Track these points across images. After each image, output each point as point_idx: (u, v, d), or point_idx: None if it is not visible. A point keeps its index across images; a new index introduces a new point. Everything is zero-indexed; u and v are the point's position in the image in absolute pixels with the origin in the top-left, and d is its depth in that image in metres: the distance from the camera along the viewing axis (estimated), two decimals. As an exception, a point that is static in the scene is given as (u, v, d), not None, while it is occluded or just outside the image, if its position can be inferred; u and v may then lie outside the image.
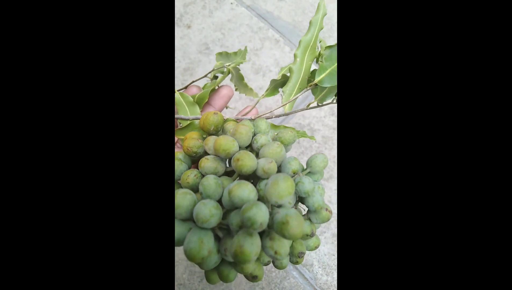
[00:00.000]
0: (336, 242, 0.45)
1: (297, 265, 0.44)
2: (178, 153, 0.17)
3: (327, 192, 0.47)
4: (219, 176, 0.15)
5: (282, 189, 0.12)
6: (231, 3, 0.60)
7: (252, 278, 0.15)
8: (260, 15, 0.59)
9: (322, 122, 0.52)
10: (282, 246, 0.13)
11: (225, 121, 0.18)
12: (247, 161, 0.14)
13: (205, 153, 0.17)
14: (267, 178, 0.14)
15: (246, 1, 0.60)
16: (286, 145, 0.18)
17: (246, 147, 0.16)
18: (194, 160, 0.18)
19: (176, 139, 0.22)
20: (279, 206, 0.13)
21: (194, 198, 0.14)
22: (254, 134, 0.17)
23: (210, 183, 0.14)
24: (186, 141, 0.16)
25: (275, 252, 0.13)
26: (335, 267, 0.44)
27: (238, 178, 0.16)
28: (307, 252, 0.45)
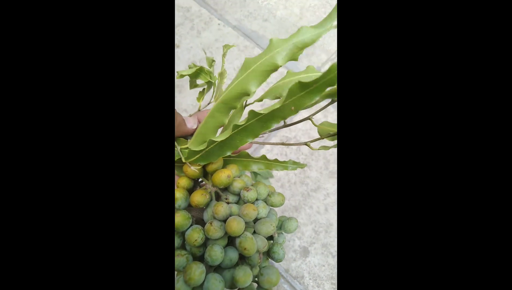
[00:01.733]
0: (326, 253, 0.45)
1: (287, 278, 0.44)
2: (184, 181, 0.20)
3: (315, 202, 0.48)
4: (219, 238, 0.19)
5: (274, 280, 0.18)
6: (218, 24, 0.63)
7: None
8: (246, 35, 0.62)
9: (308, 135, 0.53)
10: None
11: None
12: (251, 250, 0.18)
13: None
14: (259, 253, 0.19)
15: (232, 21, 0.63)
16: (277, 206, 0.22)
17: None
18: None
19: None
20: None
21: (204, 273, 0.18)
22: (257, 199, 0.21)
23: (217, 255, 0.18)
24: (195, 197, 0.19)
25: None
26: (326, 278, 0.44)
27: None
28: (298, 263, 0.45)
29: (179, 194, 0.20)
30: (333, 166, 0.51)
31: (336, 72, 0.15)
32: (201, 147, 0.19)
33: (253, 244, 0.18)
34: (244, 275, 0.17)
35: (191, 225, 0.19)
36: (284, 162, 0.23)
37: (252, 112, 0.16)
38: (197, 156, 0.20)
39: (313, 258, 0.45)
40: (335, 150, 0.52)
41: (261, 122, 0.17)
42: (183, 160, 0.20)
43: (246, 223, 0.19)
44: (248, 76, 0.17)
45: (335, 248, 0.46)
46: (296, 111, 0.16)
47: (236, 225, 0.18)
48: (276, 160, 0.23)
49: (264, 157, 0.23)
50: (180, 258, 0.18)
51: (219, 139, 0.18)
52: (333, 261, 0.45)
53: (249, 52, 0.60)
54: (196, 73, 0.25)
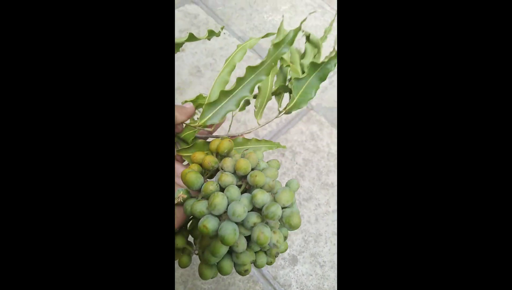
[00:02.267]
0: (314, 262, 0.46)
1: (275, 285, 0.44)
2: (195, 166, 0.22)
3: (306, 211, 0.49)
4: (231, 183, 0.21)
5: (288, 197, 0.19)
6: (224, 33, 0.65)
7: (245, 272, 0.20)
8: (250, 46, 0.64)
9: (303, 146, 0.55)
10: (280, 237, 0.19)
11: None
12: (261, 178, 0.20)
13: (215, 169, 0.23)
14: (269, 191, 0.20)
15: (238, 32, 0.66)
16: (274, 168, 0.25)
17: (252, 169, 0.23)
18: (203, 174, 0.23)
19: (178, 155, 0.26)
20: (285, 207, 0.20)
21: (227, 199, 0.19)
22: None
23: (235, 192, 0.20)
24: (207, 159, 0.22)
25: (277, 241, 0.19)
26: (313, 288, 0.44)
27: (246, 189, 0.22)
28: (286, 271, 0.45)
29: (195, 166, 0.22)
30: (326, 178, 0.52)
31: (284, 32, 0.22)
32: (214, 98, 0.24)
33: (262, 174, 0.20)
34: (262, 193, 0.19)
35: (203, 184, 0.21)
36: (270, 142, 0.28)
37: (249, 67, 0.23)
38: (211, 114, 0.24)
39: (301, 267, 0.45)
40: (328, 162, 0.53)
41: (256, 76, 0.23)
42: (197, 125, 0.24)
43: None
44: (230, 62, 0.26)
45: (323, 258, 0.46)
46: (275, 65, 0.23)
47: (243, 162, 0.20)
48: (263, 140, 0.27)
49: (255, 140, 0.27)
50: (200, 203, 0.19)
51: (229, 89, 0.23)
52: (321, 271, 0.45)
53: (251, 62, 0.62)
54: (196, 99, 0.30)
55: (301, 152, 0.54)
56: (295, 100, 0.24)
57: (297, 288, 0.44)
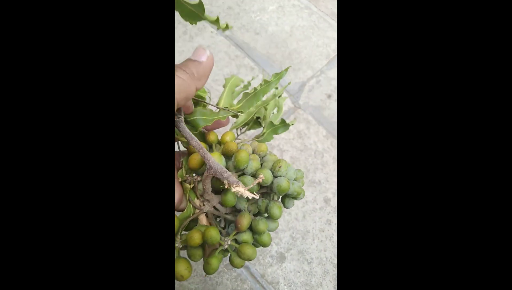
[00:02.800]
0: (301, 259, 0.46)
1: (262, 283, 0.44)
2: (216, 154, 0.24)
3: (293, 208, 0.49)
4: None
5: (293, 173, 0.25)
6: (211, 32, 0.65)
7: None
8: (238, 45, 0.64)
9: (291, 144, 0.55)
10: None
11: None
12: (281, 160, 0.24)
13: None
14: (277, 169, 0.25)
15: (225, 31, 0.66)
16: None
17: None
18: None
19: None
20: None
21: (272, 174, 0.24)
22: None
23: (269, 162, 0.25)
24: (230, 144, 0.25)
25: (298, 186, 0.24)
26: (300, 284, 0.44)
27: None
28: (274, 269, 0.45)
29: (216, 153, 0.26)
30: (313, 175, 0.53)
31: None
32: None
33: (276, 156, 0.25)
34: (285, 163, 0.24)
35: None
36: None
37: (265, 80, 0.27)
38: (239, 105, 0.27)
39: (289, 264, 0.45)
40: (315, 160, 0.54)
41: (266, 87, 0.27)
42: (222, 107, 0.27)
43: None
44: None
45: (311, 255, 0.47)
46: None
47: (263, 145, 0.25)
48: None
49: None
50: (266, 170, 0.23)
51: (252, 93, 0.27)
52: (308, 268, 0.46)
53: (239, 61, 0.62)
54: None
55: (288, 150, 0.55)
56: (265, 135, 0.30)
57: (285, 285, 0.44)
